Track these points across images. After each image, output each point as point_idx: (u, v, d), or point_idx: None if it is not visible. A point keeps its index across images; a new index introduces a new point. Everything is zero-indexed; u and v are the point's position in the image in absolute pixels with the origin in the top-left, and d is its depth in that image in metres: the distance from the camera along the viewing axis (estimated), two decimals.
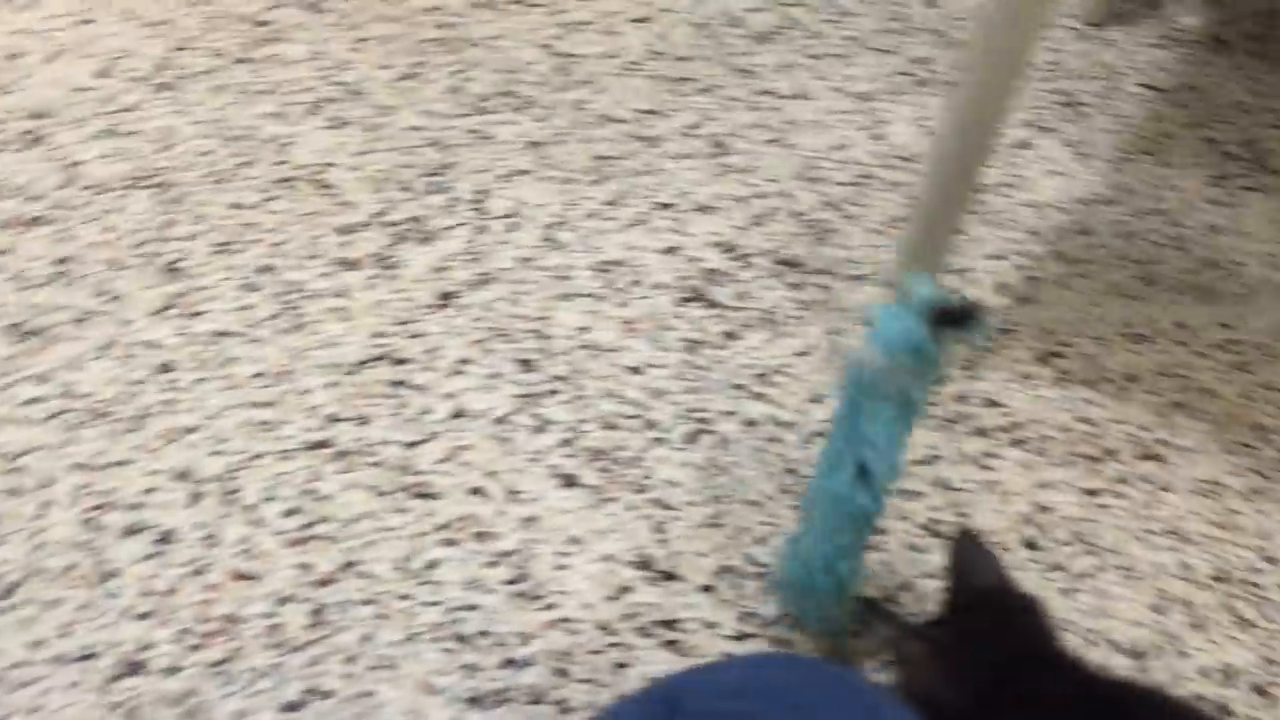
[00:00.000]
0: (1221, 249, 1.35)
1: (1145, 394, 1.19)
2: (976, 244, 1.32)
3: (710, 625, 0.97)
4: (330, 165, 1.29)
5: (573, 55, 1.48)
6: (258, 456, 1.03)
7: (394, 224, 1.24)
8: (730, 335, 1.19)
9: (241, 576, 0.95)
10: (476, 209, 1.27)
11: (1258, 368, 1.23)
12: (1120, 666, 0.97)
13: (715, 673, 0.56)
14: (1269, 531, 1.08)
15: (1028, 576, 1.03)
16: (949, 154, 0.94)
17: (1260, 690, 0.98)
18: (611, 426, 1.10)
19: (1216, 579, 1.05)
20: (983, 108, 0.91)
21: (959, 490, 1.09)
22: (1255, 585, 1.04)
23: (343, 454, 1.04)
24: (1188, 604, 1.03)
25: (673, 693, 0.51)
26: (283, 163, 1.30)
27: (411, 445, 1.06)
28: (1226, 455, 1.15)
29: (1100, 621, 1.01)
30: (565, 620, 0.96)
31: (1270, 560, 1.06)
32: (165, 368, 1.10)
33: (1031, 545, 1.05)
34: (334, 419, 1.06)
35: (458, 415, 1.08)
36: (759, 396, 1.14)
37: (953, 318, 0.78)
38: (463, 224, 1.26)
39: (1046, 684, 0.74)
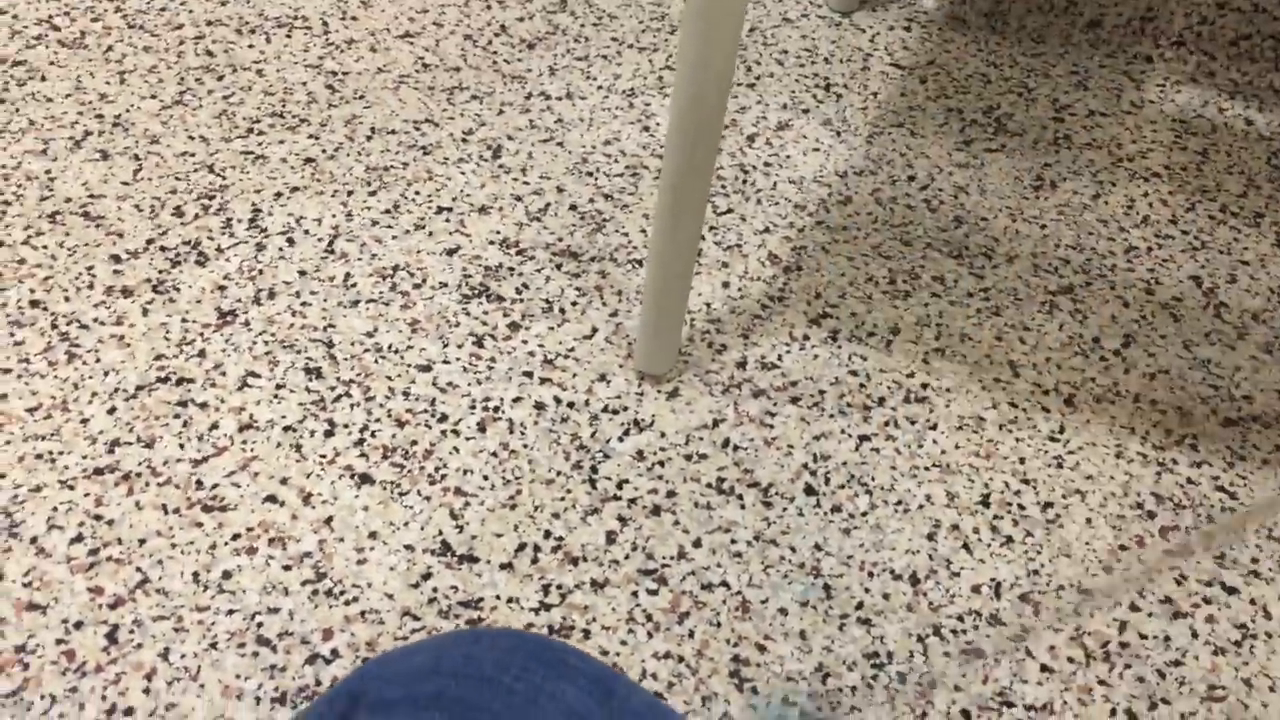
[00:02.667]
0: (969, 207, 1.46)
1: (908, 344, 1.28)
2: (746, 222, 1.39)
3: (511, 601, 1.00)
4: (98, 197, 1.28)
5: (343, 73, 1.50)
6: (38, 489, 1.02)
7: (169, 249, 1.24)
8: (515, 326, 1.23)
9: (31, 607, 0.94)
10: (254, 227, 1.28)
11: (1006, 311, 1.33)
12: (898, 591, 1.04)
13: (406, 657, 0.52)
14: (1025, 455, 1.17)
15: (810, 521, 1.09)
16: (679, 144, 1.01)
17: (1025, 598, 1.06)
18: (403, 423, 1.12)
19: (981, 503, 1.13)
20: (699, 103, 0.97)
21: (742, 449, 1.15)
22: (1015, 505, 1.13)
23: (127, 476, 1.03)
24: (956, 529, 1.10)
25: (358, 684, 0.50)
26: (47, 198, 1.28)
27: (200, 462, 1.05)
28: (984, 391, 1.24)
29: (879, 554, 1.08)
30: (368, 612, 0.97)
31: (1026, 481, 1.15)
32: None
33: (811, 491, 1.12)
34: (116, 443, 1.05)
35: (246, 428, 1.09)
36: (546, 381, 1.18)
37: None
38: (240, 243, 1.26)
39: None
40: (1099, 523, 1.12)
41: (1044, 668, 1.01)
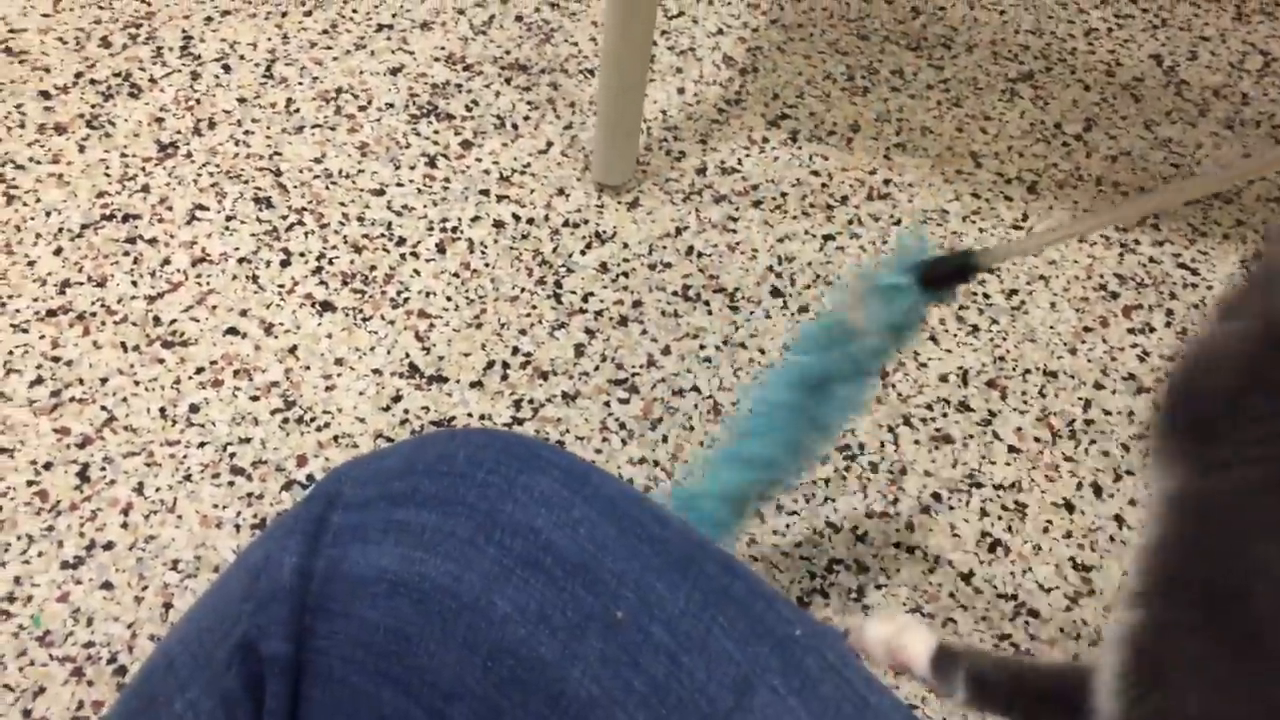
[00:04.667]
0: None
1: (869, 140, 1.25)
2: (698, 24, 1.35)
3: (484, 417, 1.00)
4: (19, 31, 1.22)
5: None
6: None
7: (99, 82, 1.18)
8: (467, 144, 1.19)
9: None
10: (186, 55, 1.22)
11: (967, 101, 1.31)
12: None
13: (380, 458, 0.51)
14: (989, 244, 1.17)
15: (778, 322, 1.09)
16: None
17: (993, 384, 1.07)
18: (360, 249, 1.09)
19: None
20: None
21: (706, 255, 1.13)
22: (980, 295, 1.13)
23: (81, 316, 1.01)
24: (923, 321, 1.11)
25: (333, 486, 0.49)
26: None
27: (155, 298, 1.03)
28: (947, 184, 1.22)
29: None
30: (340, 436, 0.97)
31: (991, 270, 1.15)
32: None
33: (777, 293, 1.11)
34: (67, 284, 1.03)
35: (199, 261, 1.06)
36: (503, 198, 1.15)
37: (946, 276, 0.73)
38: (174, 72, 1.21)
39: None
40: (1063, 306, 1.13)
41: (1011, 449, 1.03)
